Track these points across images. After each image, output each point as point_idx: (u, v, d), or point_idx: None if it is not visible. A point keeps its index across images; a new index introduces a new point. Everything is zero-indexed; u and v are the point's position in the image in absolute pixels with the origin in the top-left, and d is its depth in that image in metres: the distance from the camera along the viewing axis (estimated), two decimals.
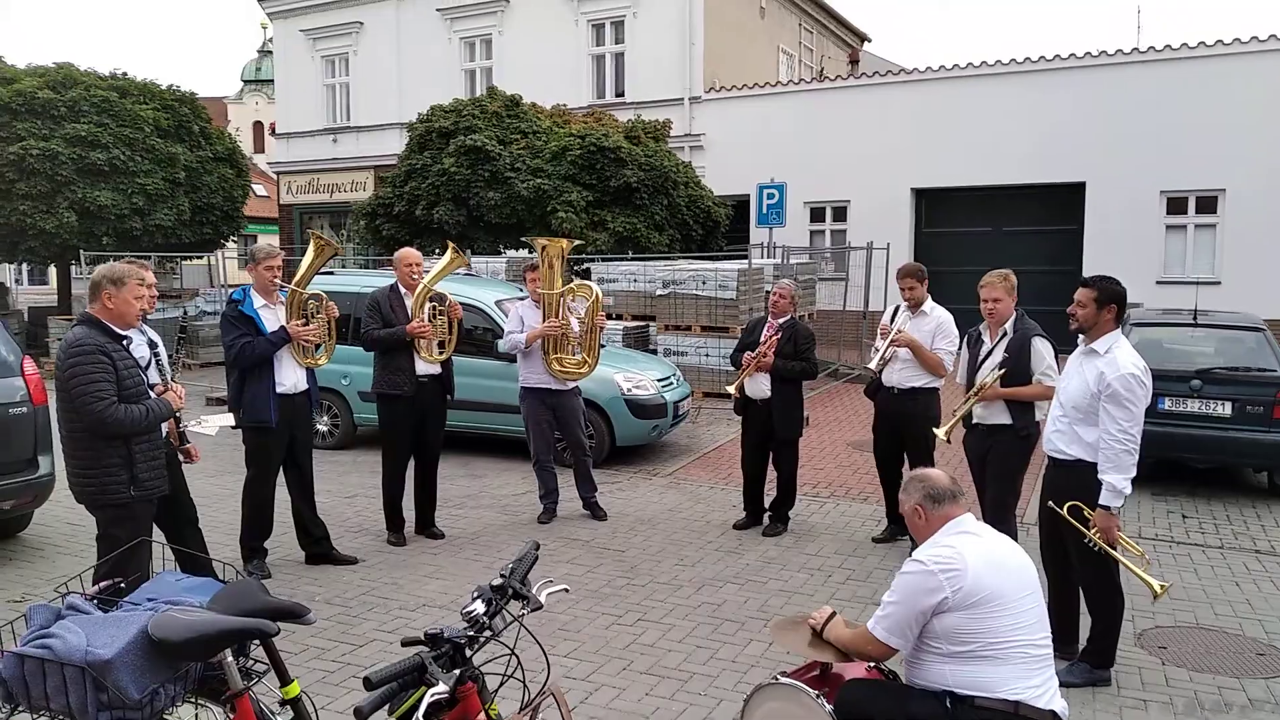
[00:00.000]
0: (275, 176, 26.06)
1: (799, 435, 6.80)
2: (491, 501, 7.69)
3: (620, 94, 20.47)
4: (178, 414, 4.29)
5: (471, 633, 2.26)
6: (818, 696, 3.17)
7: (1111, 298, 4.24)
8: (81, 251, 15.02)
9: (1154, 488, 8.07)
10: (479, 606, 2.27)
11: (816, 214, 19.13)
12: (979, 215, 17.75)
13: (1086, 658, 4.37)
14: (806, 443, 9.79)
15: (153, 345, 4.54)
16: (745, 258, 13.82)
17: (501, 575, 2.41)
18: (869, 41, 28.41)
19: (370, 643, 4.83)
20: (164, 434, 4.28)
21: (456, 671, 2.16)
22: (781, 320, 6.73)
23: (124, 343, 4.02)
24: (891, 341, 5.84)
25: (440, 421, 6.69)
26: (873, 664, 3.27)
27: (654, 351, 12.10)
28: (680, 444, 9.94)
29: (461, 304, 9.36)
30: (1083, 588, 4.45)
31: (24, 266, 22.20)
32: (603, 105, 19.70)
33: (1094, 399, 4.18)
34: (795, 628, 3.42)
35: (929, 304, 6.16)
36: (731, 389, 6.84)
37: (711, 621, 5.13)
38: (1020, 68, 17.09)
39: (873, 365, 5.88)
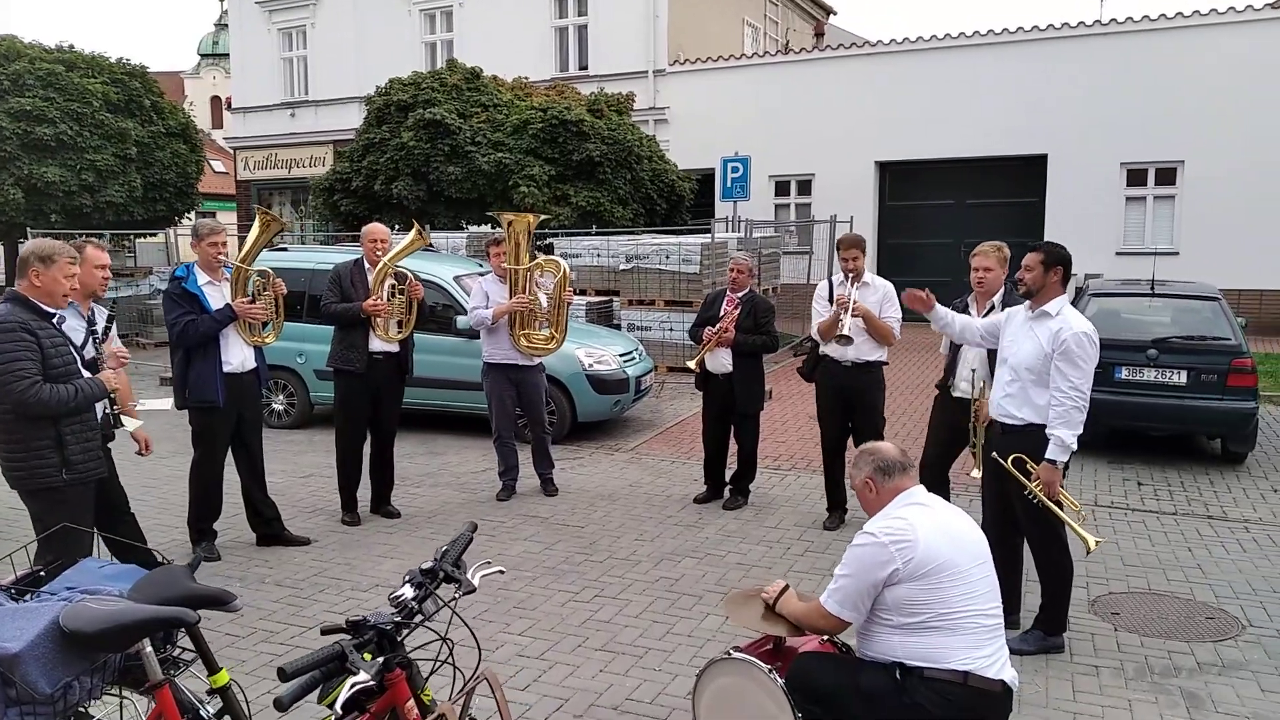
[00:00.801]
0: (232, 152, 25.55)
1: (760, 409, 6.77)
2: (450, 479, 7.60)
3: (584, 67, 20.23)
4: (111, 395, 4.13)
5: (399, 619, 2.17)
6: (770, 671, 3.14)
7: (1058, 260, 4.29)
8: (29, 229, 14.65)
9: (1110, 456, 8.14)
10: (408, 591, 2.19)
11: (781, 188, 19.07)
12: (943, 188, 17.79)
13: (1040, 625, 4.39)
14: (768, 416, 9.79)
15: (90, 324, 4.36)
16: (708, 232, 13.76)
17: (434, 558, 2.32)
18: (834, 15, 28.29)
19: (318, 625, 4.72)
20: (99, 416, 4.13)
21: (381, 659, 2.07)
22: (741, 294, 6.67)
23: (53, 320, 3.86)
24: (852, 312, 5.78)
25: (396, 400, 6.57)
26: (826, 637, 3.24)
27: (618, 326, 12.02)
28: (643, 419, 9.89)
29: (420, 280, 9.31)
30: (1032, 551, 4.47)
31: None
32: (566, 78, 19.45)
33: (1047, 360, 4.20)
34: (748, 602, 3.39)
35: (868, 274, 6.10)
36: (692, 364, 6.79)
37: (669, 596, 5.09)
38: (984, 40, 17.09)
39: (845, 331, 5.78)
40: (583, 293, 12.71)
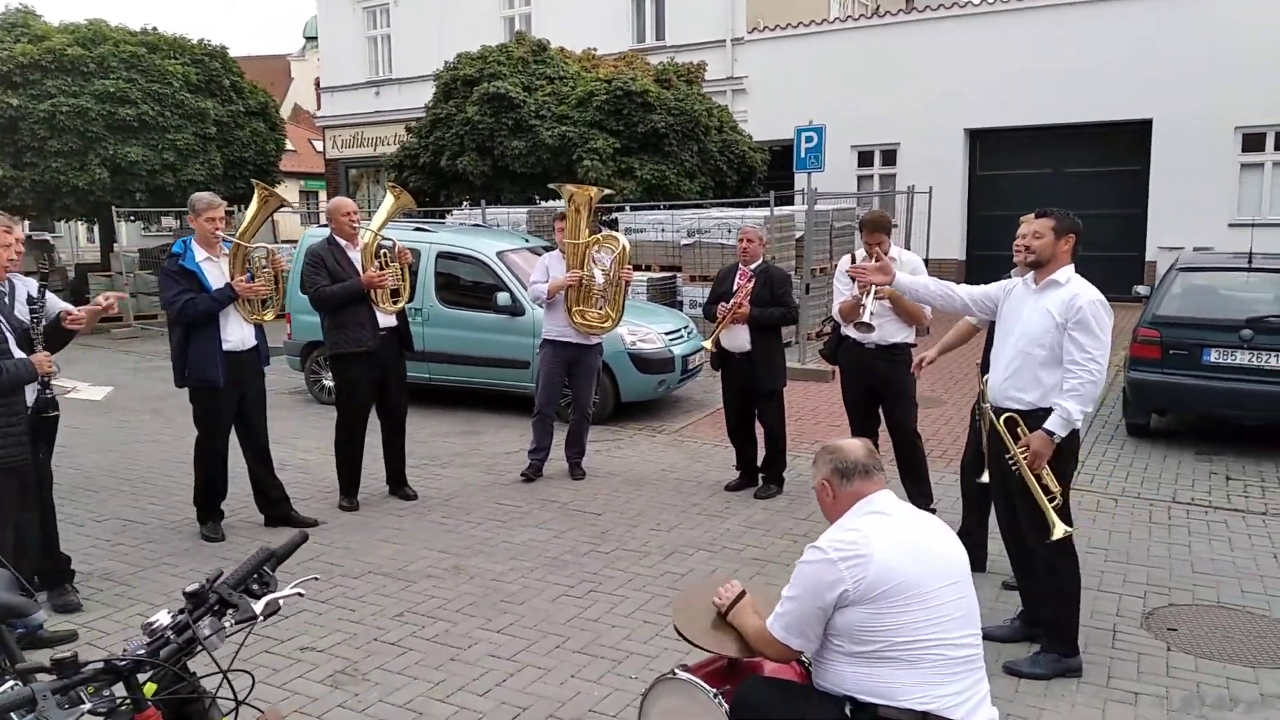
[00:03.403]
0: (322, 131, 26.03)
1: (783, 385, 6.33)
2: (480, 460, 7.38)
3: (661, 37, 19.74)
4: (44, 379, 3.98)
5: (141, 655, 1.80)
6: (715, 695, 2.77)
7: (1070, 228, 3.85)
8: (115, 208, 15.10)
9: (1198, 447, 7.37)
10: (163, 618, 1.86)
11: (864, 158, 18.24)
12: (1037, 156, 16.68)
13: (1052, 646, 3.86)
14: (824, 397, 9.31)
15: (30, 300, 4.22)
16: (766, 204, 13.18)
17: (206, 579, 1.96)
18: None
19: (300, 613, 4.54)
20: (27, 400, 3.98)
21: (85, 706, 1.69)
22: (754, 266, 6.22)
23: None
24: (876, 294, 5.25)
25: (402, 378, 6.36)
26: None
27: (680, 304, 11.63)
28: (694, 399, 9.50)
29: (462, 255, 9.12)
30: (1037, 563, 3.94)
31: (90, 225, 22.33)
32: (642, 49, 19.00)
33: (1059, 330, 3.75)
34: (699, 607, 3.00)
35: (895, 250, 5.55)
36: (707, 344, 6.39)
37: (669, 594, 4.72)
38: None
39: (865, 318, 5.27)
40: (646, 269, 12.38)
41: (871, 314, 5.27)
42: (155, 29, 16.26)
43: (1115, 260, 14.68)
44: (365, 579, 4.97)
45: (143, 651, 1.79)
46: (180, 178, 15.46)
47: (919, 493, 5.69)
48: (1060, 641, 3.86)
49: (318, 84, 26.81)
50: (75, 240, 28.73)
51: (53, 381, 4.19)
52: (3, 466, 3.74)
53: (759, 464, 6.52)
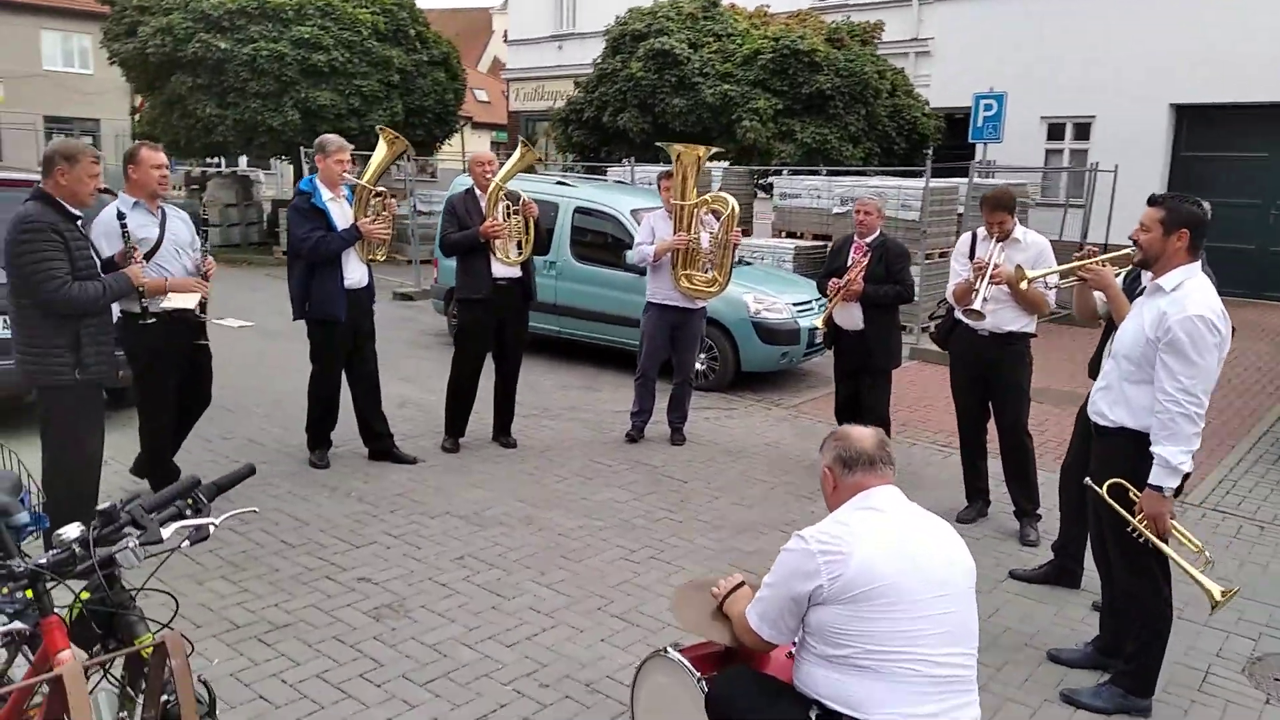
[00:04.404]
0: (505, 83, 26.75)
1: (895, 366, 6.04)
2: (589, 416, 7.44)
3: None
4: (140, 289, 4.29)
5: (42, 564, 1.86)
6: (699, 680, 2.69)
7: (1184, 220, 3.28)
8: (302, 149, 16.08)
9: None
10: (71, 531, 1.92)
11: (1055, 131, 16.93)
12: (1253, 138, 14.96)
13: (1121, 680, 3.47)
14: (944, 381, 8.77)
15: (178, 224, 4.73)
16: (955, 174, 12.47)
17: (122, 499, 2.03)
18: None
19: (370, 544, 4.74)
20: (115, 319, 4.29)
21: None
22: (870, 239, 5.89)
23: (77, 222, 4.00)
24: (992, 278, 4.86)
25: (521, 327, 6.47)
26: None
27: None
28: (821, 374, 9.17)
29: (596, 211, 9.15)
30: (1115, 581, 3.54)
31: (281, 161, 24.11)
32: (825, 8, 18.36)
33: (1149, 347, 3.26)
34: (699, 596, 2.92)
35: (1020, 230, 5.08)
36: (818, 322, 6.14)
37: (724, 570, 4.60)
38: None
39: (975, 305, 4.91)
40: (799, 236, 12.07)
41: (985, 300, 4.92)
42: None
43: None
44: (441, 519, 5.12)
45: (44, 561, 1.88)
46: (364, 123, 16.25)
47: (1024, 497, 5.29)
48: (1132, 678, 3.48)
49: (505, 36, 27.56)
50: (281, 178, 30.92)
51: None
52: (91, 381, 4.05)
53: None
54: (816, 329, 8.49)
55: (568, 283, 9.09)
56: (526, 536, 4.94)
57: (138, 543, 1.87)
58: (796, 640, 2.50)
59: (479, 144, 34.13)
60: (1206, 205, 3.45)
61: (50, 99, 31.68)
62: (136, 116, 18.11)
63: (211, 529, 2.03)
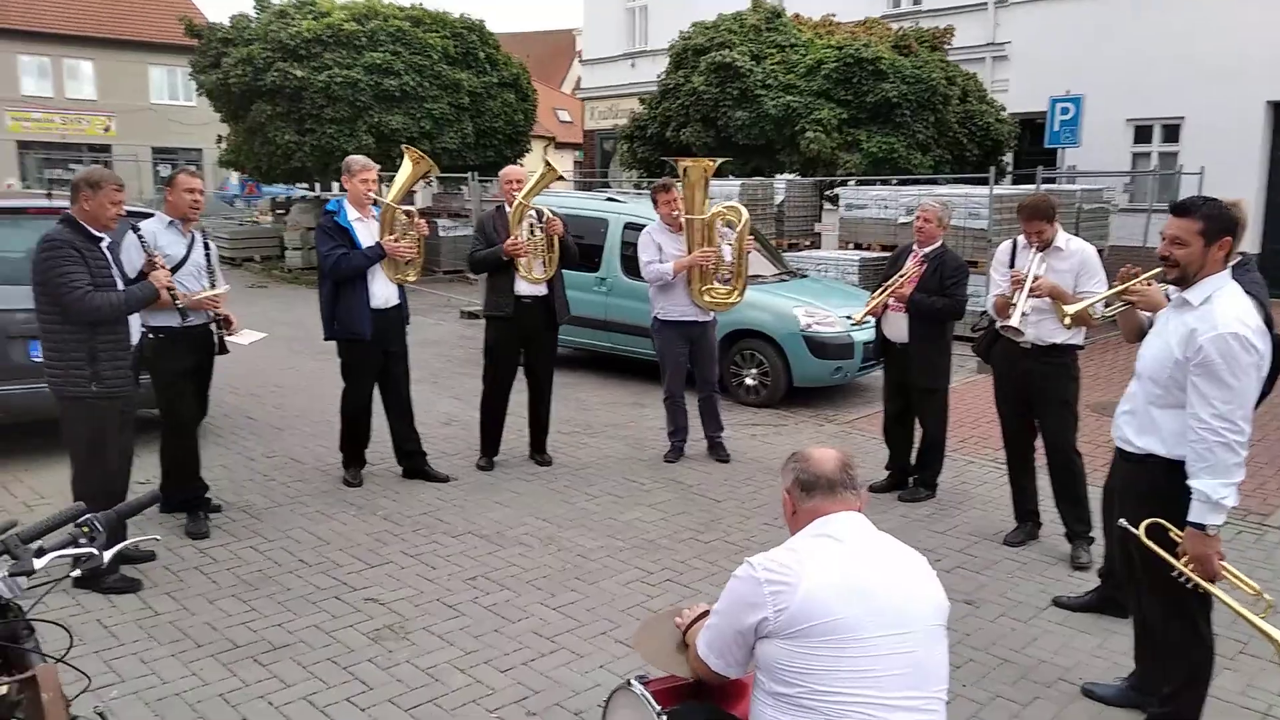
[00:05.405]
0: (581, 102, 26.98)
1: (943, 386, 5.73)
2: (630, 434, 7.33)
3: (918, 1, 18.54)
4: (170, 290, 4.41)
5: None
6: (660, 714, 2.53)
7: (1227, 226, 2.90)
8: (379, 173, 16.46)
9: None
10: None
11: (1142, 133, 16.17)
12: None
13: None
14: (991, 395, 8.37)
15: (191, 249, 4.83)
16: (1032, 181, 11.99)
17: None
18: None
19: (386, 564, 4.72)
20: (133, 336, 4.38)
21: None
22: (929, 249, 5.63)
23: (99, 244, 4.14)
24: (1031, 290, 4.57)
25: (548, 346, 6.41)
26: None
27: None
28: (878, 390, 8.87)
29: (637, 225, 9.02)
30: (1148, 629, 3.22)
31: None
32: (896, 14, 17.98)
33: (1177, 368, 2.92)
34: (664, 628, 2.77)
35: (1062, 237, 4.74)
36: (855, 316, 5.94)
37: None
38: None
39: (1013, 322, 4.62)
40: (866, 248, 11.80)
41: (1024, 315, 4.64)
42: (420, 4, 17.50)
43: None
44: (462, 539, 5.07)
45: None
46: (435, 145, 16.58)
47: (1075, 518, 4.95)
48: None
49: (579, 56, 27.84)
50: None
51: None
52: (108, 393, 4.17)
53: (912, 462, 6.00)
54: (853, 322, 8.30)
55: (618, 299, 9.02)
56: (544, 557, 4.84)
57: (7, 573, 1.83)
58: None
59: (561, 163, 34.54)
60: (1243, 203, 3.14)
61: (157, 130, 33.45)
62: (223, 145, 18.80)
63: (106, 558, 1.97)
